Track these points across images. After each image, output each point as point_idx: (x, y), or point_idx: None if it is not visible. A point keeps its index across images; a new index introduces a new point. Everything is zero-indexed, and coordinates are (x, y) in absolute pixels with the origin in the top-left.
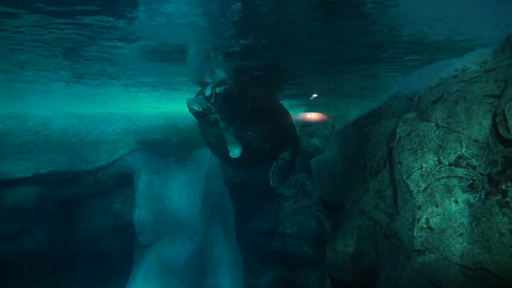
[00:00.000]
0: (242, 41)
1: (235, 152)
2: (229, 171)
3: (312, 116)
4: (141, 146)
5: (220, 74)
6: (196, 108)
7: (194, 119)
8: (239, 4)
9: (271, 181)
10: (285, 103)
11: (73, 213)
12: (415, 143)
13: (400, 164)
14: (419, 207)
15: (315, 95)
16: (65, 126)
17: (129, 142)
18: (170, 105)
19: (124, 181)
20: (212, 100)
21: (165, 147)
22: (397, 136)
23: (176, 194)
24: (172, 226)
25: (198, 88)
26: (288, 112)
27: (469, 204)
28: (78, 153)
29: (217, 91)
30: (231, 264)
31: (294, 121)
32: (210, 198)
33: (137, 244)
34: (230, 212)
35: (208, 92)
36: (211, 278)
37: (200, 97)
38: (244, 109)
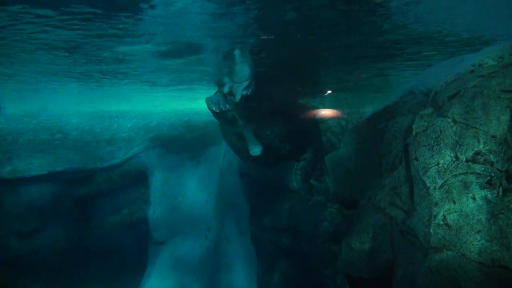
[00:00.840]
0: (262, 37)
1: (255, 150)
2: (252, 169)
3: (326, 112)
4: (155, 143)
5: (238, 73)
6: (214, 108)
7: (208, 116)
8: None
9: (293, 182)
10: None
11: (88, 211)
12: (432, 139)
13: (417, 160)
14: (436, 204)
15: (329, 92)
16: (80, 124)
17: (143, 139)
18: (184, 103)
19: (138, 178)
20: (230, 99)
21: (179, 144)
22: (413, 132)
23: (190, 191)
24: (186, 223)
25: (214, 87)
26: (310, 111)
27: (486, 200)
28: (92, 151)
29: (236, 90)
30: (245, 261)
31: (317, 120)
32: (224, 195)
33: (152, 241)
34: (244, 209)
35: (226, 90)
36: (225, 274)
37: (218, 95)
38: (261, 107)
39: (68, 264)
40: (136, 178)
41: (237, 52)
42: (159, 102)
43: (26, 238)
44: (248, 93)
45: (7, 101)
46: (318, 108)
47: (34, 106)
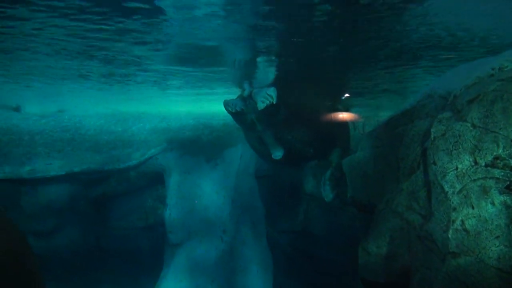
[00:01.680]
0: (282, 40)
1: (276, 154)
2: (276, 171)
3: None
4: (172, 145)
5: (258, 77)
6: (230, 109)
7: (224, 119)
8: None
9: (323, 193)
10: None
11: (105, 212)
12: (450, 143)
13: (435, 164)
14: (454, 209)
15: (347, 95)
16: (98, 125)
17: (161, 141)
18: (201, 105)
19: (155, 180)
20: (250, 102)
21: (196, 146)
22: (432, 136)
23: (207, 193)
24: (203, 225)
25: (232, 89)
26: (339, 113)
27: (506, 206)
28: (110, 152)
29: (256, 95)
30: (261, 264)
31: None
32: (240, 198)
33: (168, 243)
34: (259, 212)
35: (245, 93)
36: (241, 277)
37: (237, 99)
38: (279, 113)
39: (85, 264)
40: (153, 180)
41: (258, 57)
42: (176, 104)
43: (44, 238)
44: (270, 102)
45: (25, 101)
46: (348, 110)
47: (52, 106)
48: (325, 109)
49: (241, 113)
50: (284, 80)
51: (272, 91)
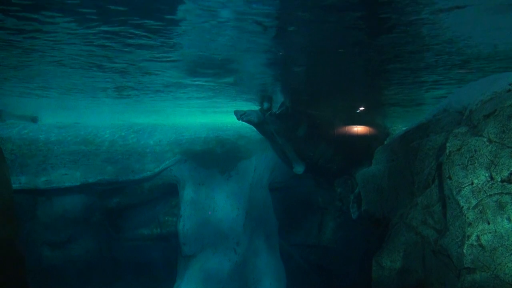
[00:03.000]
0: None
1: (298, 169)
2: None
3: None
4: (186, 157)
5: (277, 92)
6: (238, 116)
7: (239, 130)
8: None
9: (351, 210)
10: None
11: (119, 222)
12: (466, 158)
13: (450, 179)
14: (470, 224)
15: (362, 108)
16: (113, 136)
17: (175, 153)
18: (215, 117)
19: (169, 191)
20: (268, 114)
21: (210, 158)
22: (447, 151)
23: (220, 205)
24: (216, 237)
25: (250, 101)
26: (369, 127)
27: None
28: (125, 163)
29: (270, 107)
30: (274, 276)
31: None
32: (254, 210)
33: (181, 254)
34: (273, 224)
35: (265, 106)
36: None
37: (251, 110)
38: (300, 129)
39: (99, 275)
40: (167, 191)
41: (277, 71)
42: (190, 116)
43: (59, 248)
44: (281, 111)
45: (42, 112)
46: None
47: (68, 117)
48: (354, 124)
49: (261, 123)
50: (302, 94)
51: (288, 102)
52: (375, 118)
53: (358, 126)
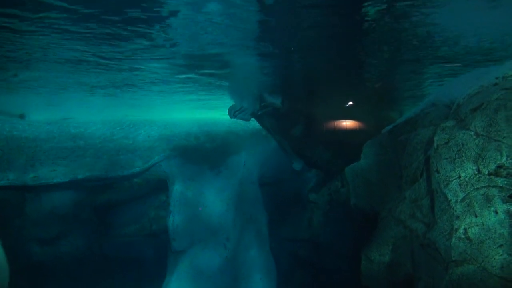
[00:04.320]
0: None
1: (296, 165)
2: None
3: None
4: (176, 152)
5: (268, 89)
6: (230, 116)
7: (229, 126)
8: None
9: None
10: None
11: (109, 219)
12: (454, 151)
13: (438, 173)
14: (457, 217)
15: (350, 103)
16: (102, 132)
17: (164, 148)
18: (205, 113)
19: (159, 187)
20: (258, 109)
21: (199, 153)
22: (435, 145)
23: (210, 200)
24: (206, 233)
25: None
26: (369, 129)
27: (509, 214)
28: (114, 159)
29: (263, 103)
30: (264, 271)
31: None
32: (244, 205)
33: (171, 250)
34: (263, 219)
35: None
36: (244, 285)
37: (241, 105)
38: (295, 129)
39: (89, 272)
40: (156, 187)
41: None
42: (180, 111)
43: (48, 245)
44: (277, 106)
45: (30, 109)
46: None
47: (57, 113)
48: (352, 128)
49: (259, 116)
50: (300, 91)
51: (277, 98)
52: (375, 118)
53: (356, 127)
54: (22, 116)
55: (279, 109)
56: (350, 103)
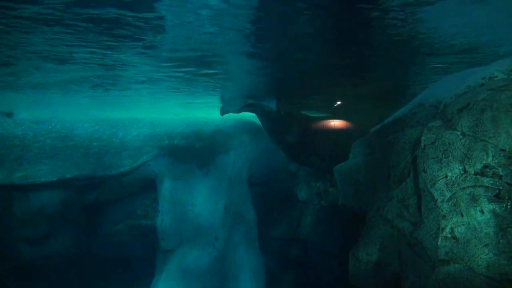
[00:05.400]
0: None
1: (291, 166)
2: None
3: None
4: (164, 151)
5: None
6: (220, 114)
7: (217, 125)
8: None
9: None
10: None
11: (97, 218)
12: (440, 151)
13: (425, 172)
14: (444, 217)
15: (338, 103)
16: (90, 131)
17: (153, 147)
18: (195, 112)
19: (147, 186)
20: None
21: (188, 153)
22: (422, 144)
23: (199, 200)
24: (195, 232)
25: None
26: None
27: (495, 214)
28: (102, 158)
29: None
30: (253, 270)
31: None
32: (233, 204)
33: (160, 250)
34: (252, 219)
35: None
36: (233, 284)
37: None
38: (288, 136)
39: (77, 271)
40: (145, 186)
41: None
42: (169, 111)
43: (36, 244)
44: (269, 110)
45: (18, 108)
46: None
47: (44, 112)
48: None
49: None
50: (293, 92)
51: (271, 102)
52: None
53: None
54: (9, 115)
55: (271, 113)
56: (339, 102)
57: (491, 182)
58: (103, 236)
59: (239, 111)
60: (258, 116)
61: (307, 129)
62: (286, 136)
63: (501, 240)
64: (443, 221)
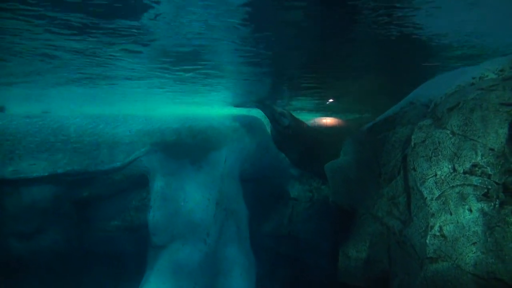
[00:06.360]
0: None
1: (293, 170)
2: None
3: (327, 120)
4: (157, 147)
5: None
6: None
7: (210, 121)
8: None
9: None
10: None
11: (89, 213)
12: (430, 150)
13: (415, 170)
14: (433, 215)
15: (331, 100)
16: (82, 126)
17: (145, 143)
18: (187, 108)
19: (139, 182)
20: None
21: (180, 149)
22: (412, 143)
23: (191, 196)
24: (186, 228)
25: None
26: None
27: (483, 213)
28: (94, 153)
29: (276, 112)
30: (244, 266)
31: None
32: (224, 201)
33: (151, 245)
34: (244, 215)
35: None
36: (224, 280)
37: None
38: (291, 153)
39: (68, 267)
40: (137, 182)
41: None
42: (162, 106)
43: (27, 239)
44: (281, 120)
45: (9, 102)
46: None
47: (36, 107)
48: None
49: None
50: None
51: (286, 117)
52: None
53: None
54: (1, 109)
55: (282, 127)
56: (331, 100)
57: (480, 181)
58: (95, 231)
59: (251, 105)
60: (270, 121)
61: (312, 147)
62: (288, 153)
63: (489, 239)
64: (432, 219)
